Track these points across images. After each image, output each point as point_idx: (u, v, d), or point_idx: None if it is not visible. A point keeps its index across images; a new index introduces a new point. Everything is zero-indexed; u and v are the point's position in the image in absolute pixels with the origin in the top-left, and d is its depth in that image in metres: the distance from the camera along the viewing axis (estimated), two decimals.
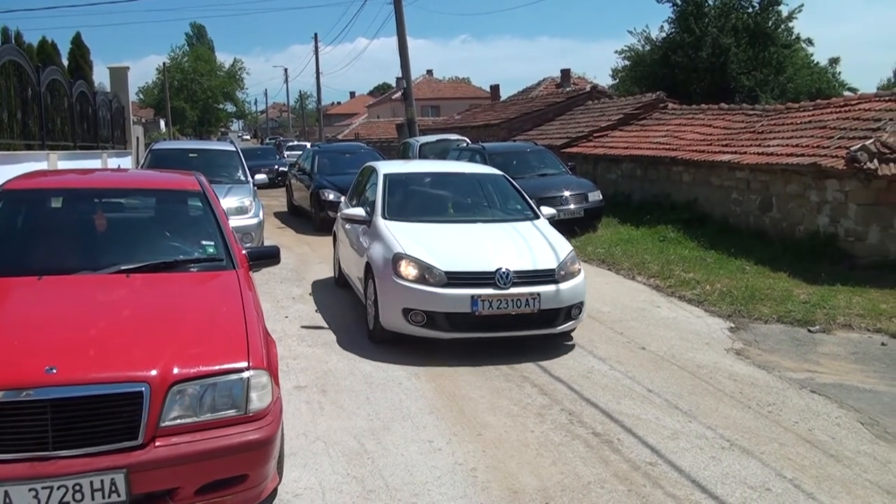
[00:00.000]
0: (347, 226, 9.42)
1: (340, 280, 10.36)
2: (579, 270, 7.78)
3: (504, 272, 7.19)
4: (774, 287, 9.72)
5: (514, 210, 9.15)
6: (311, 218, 17.17)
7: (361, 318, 8.44)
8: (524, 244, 7.92)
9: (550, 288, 7.34)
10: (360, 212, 8.81)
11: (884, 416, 5.91)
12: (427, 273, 7.25)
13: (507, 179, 9.74)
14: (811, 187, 12.04)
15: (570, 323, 7.63)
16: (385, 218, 8.35)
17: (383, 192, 8.79)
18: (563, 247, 7.97)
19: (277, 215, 19.89)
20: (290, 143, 49.45)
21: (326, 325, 8.56)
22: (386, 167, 9.75)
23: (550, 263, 7.56)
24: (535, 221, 8.69)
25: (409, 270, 7.33)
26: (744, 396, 6.35)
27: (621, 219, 15.85)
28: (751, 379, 6.78)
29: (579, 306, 7.64)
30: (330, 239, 11.54)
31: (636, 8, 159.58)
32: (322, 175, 17.14)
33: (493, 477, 4.83)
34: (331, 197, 15.51)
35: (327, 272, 11.46)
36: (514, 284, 7.19)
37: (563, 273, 7.52)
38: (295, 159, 24.88)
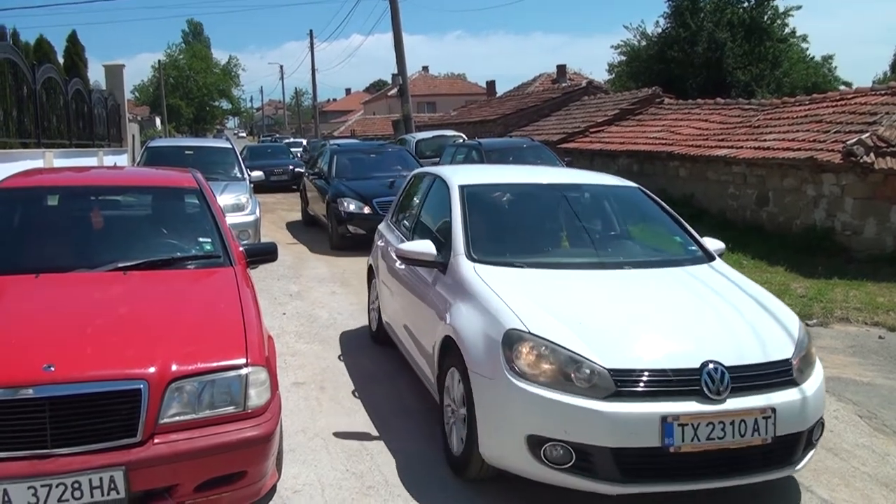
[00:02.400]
0: (400, 264, 6.24)
1: (380, 334, 7.42)
2: (815, 356, 4.69)
3: (714, 370, 4.08)
4: (772, 281, 9.72)
5: (670, 244, 5.94)
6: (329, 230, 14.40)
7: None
8: (724, 310, 4.71)
9: (789, 395, 4.23)
10: (425, 248, 5.48)
11: (882, 409, 5.92)
12: (574, 370, 4.07)
13: (646, 194, 6.40)
14: (808, 181, 12.06)
15: (811, 454, 4.48)
16: (473, 259, 5.18)
17: (463, 217, 5.59)
18: (786, 313, 4.82)
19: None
20: (287, 140, 49.15)
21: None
22: (456, 175, 6.40)
23: (782, 348, 4.41)
24: (713, 264, 5.46)
25: (538, 364, 4.17)
26: None
27: None
28: None
29: (821, 423, 4.53)
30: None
31: (631, 3, 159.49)
32: (341, 180, 14.56)
33: None
34: (351, 207, 13.23)
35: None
36: (732, 391, 4.09)
37: (799, 364, 4.40)
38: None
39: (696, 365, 4.08)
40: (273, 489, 4.29)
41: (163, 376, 3.56)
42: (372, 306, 7.91)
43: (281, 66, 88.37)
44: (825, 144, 11.84)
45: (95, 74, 48.06)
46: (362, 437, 5.37)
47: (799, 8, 34.31)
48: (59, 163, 14.83)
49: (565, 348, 4.14)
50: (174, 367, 3.60)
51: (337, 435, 5.38)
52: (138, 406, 3.48)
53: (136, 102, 76.07)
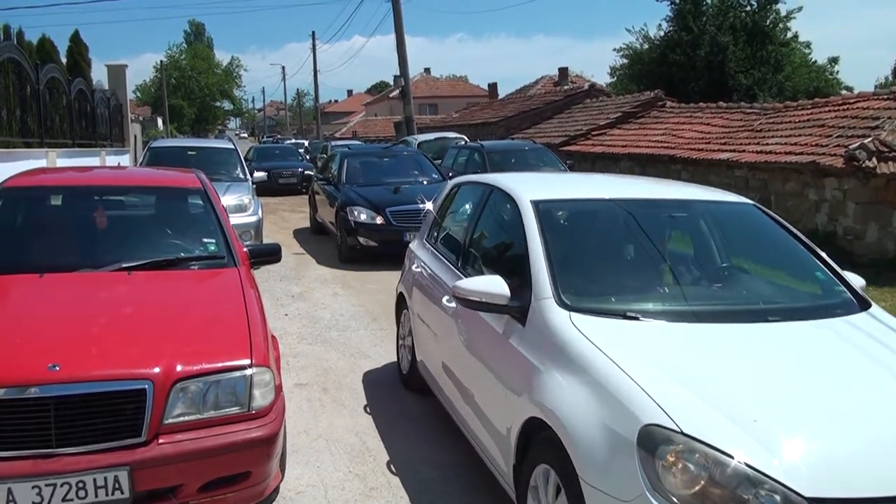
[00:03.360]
0: (449, 300, 4.91)
1: (414, 379, 6.15)
2: None
3: None
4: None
5: (810, 283, 4.64)
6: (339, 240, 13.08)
7: None
8: None
9: None
10: (493, 287, 4.09)
11: None
12: (752, 495, 2.74)
13: (765, 213, 4.96)
14: (810, 186, 12.06)
15: None
16: (565, 305, 3.82)
17: (543, 244, 4.21)
18: None
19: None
20: (288, 141, 48.95)
21: None
22: (523, 186, 5.01)
23: None
24: (872, 312, 4.11)
25: (696, 483, 2.83)
26: None
27: None
28: None
29: None
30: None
31: (633, 6, 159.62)
32: (351, 186, 13.42)
33: None
34: (362, 217, 12.13)
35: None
36: None
37: None
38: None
39: None
40: (276, 490, 4.28)
41: (168, 376, 3.56)
42: (402, 342, 6.57)
43: (283, 68, 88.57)
44: (827, 149, 11.85)
45: (98, 74, 48.08)
46: (365, 438, 5.36)
47: (800, 9, 34.29)
48: (61, 162, 14.84)
49: (741, 462, 2.74)
50: (179, 368, 3.60)
51: (339, 436, 5.38)
52: (143, 406, 3.48)
53: (138, 102, 76.11)
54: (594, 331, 3.55)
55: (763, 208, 4.99)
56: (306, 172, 25.37)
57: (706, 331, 3.67)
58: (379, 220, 12.01)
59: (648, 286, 4.25)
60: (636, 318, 3.70)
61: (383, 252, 11.79)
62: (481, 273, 4.78)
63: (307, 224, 17.04)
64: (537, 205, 4.54)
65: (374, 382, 6.60)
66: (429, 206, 11.80)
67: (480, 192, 5.59)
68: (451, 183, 6.64)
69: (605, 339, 3.46)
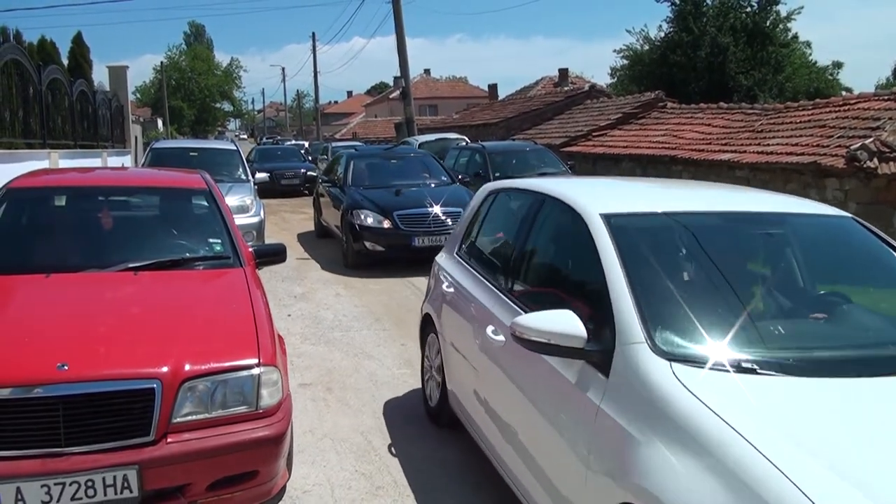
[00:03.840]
0: (496, 333, 4.20)
1: (444, 413, 5.37)
2: None
3: None
4: None
5: None
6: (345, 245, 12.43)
7: None
8: None
9: None
10: (565, 326, 3.26)
11: None
12: None
13: (865, 227, 4.12)
14: (811, 186, 12.07)
15: None
16: (662, 353, 3.01)
17: (625, 271, 3.38)
18: None
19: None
20: (289, 142, 48.74)
21: None
22: (587, 199, 4.08)
23: None
24: None
25: None
26: None
27: None
28: None
29: None
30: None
31: (633, 7, 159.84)
32: (358, 188, 12.83)
33: None
34: (369, 221, 11.61)
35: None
36: None
37: None
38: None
39: None
40: (283, 489, 4.30)
41: (176, 376, 3.57)
42: (429, 371, 5.79)
43: (283, 69, 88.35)
44: (828, 149, 11.86)
45: (99, 75, 48.18)
46: (370, 437, 5.38)
47: (801, 9, 34.37)
48: (63, 163, 14.86)
49: None
50: (187, 367, 3.62)
51: (344, 435, 5.40)
52: (152, 405, 3.50)
53: (138, 104, 76.10)
54: (708, 389, 2.74)
55: (862, 222, 4.14)
56: (309, 174, 25.22)
57: (845, 388, 2.86)
58: (386, 224, 11.55)
59: (757, 325, 3.28)
60: (753, 371, 2.87)
61: (391, 257, 11.63)
62: (538, 301, 3.95)
63: (310, 226, 16.76)
64: (608, 220, 3.68)
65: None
66: (437, 209, 11.52)
67: (528, 202, 4.78)
68: (485, 189, 5.70)
69: (726, 404, 2.65)
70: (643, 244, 3.74)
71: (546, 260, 4.52)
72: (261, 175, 13.86)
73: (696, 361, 2.93)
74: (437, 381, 5.47)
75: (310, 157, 31.19)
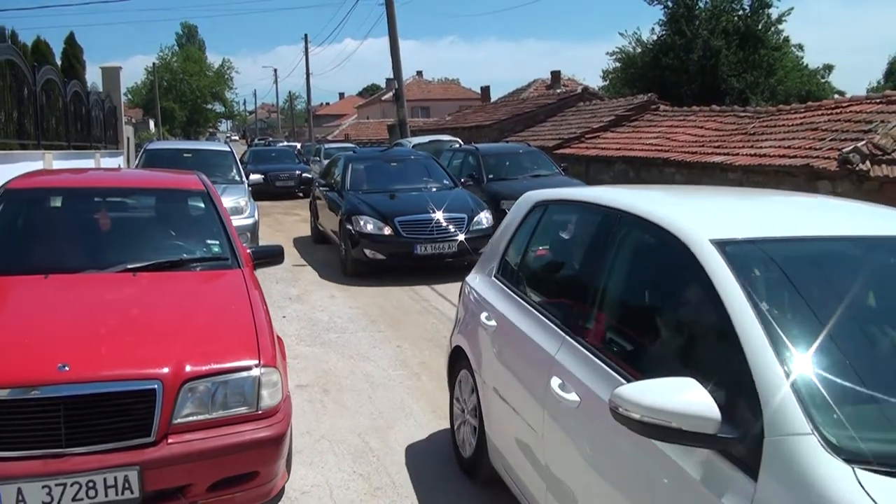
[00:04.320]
0: (565, 389, 3.28)
1: (483, 467, 4.50)
2: None
3: None
4: None
5: None
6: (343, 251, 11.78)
7: None
8: None
9: None
10: (693, 406, 2.28)
11: None
12: None
13: None
14: (804, 188, 12.10)
15: None
16: (839, 451, 2.05)
17: (766, 330, 2.38)
18: None
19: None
20: (281, 144, 48.39)
21: None
22: (687, 218, 3.11)
23: None
24: None
25: None
26: None
27: None
28: None
29: None
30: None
31: (625, 10, 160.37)
32: (356, 193, 12.27)
33: None
34: (369, 227, 11.01)
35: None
36: None
37: None
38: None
39: None
40: (282, 490, 4.32)
41: (177, 376, 3.59)
42: (463, 416, 4.86)
43: (275, 70, 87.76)
44: (821, 152, 11.94)
45: (92, 76, 48.01)
46: (367, 439, 5.39)
47: (791, 10, 34.58)
48: (58, 164, 14.82)
49: None
50: (188, 368, 3.63)
51: (341, 437, 5.41)
52: (153, 406, 3.51)
53: (129, 105, 75.93)
54: None
55: None
56: (304, 175, 24.92)
57: None
58: (387, 231, 10.98)
59: None
60: None
61: (392, 265, 11.18)
62: (628, 356, 3.11)
63: (304, 228, 16.38)
64: (723, 248, 2.74)
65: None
66: (439, 215, 11.10)
67: (597, 220, 3.79)
68: (528, 200, 4.67)
69: None
70: (778, 283, 2.76)
71: (634, 298, 3.45)
72: (255, 176, 13.78)
73: (885, 462, 2.02)
74: (473, 425, 4.62)
75: (305, 159, 31.01)
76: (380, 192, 12.14)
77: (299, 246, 14.68)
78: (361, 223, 11.09)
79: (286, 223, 18.57)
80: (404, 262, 11.11)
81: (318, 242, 14.69)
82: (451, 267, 10.85)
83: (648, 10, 67.91)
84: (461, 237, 10.99)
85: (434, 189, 12.71)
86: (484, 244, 10.35)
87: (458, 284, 5.34)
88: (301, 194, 23.79)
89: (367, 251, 10.99)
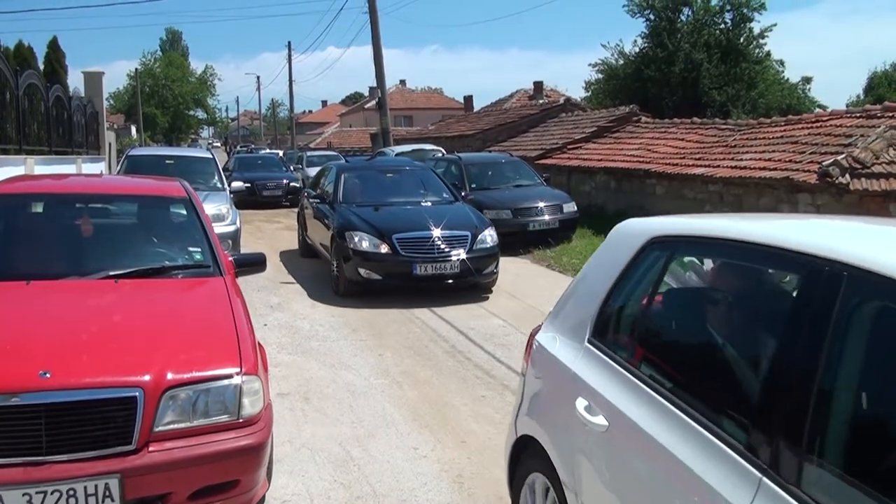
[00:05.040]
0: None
1: None
2: None
3: None
4: None
5: None
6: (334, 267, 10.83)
7: None
8: None
9: None
10: None
11: None
12: None
13: None
14: (784, 201, 12.24)
15: None
16: None
17: None
18: None
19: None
20: (263, 151, 47.62)
21: None
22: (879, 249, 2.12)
23: None
24: None
25: None
26: None
27: (596, 230, 15.91)
28: None
29: None
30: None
31: (608, 22, 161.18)
32: (349, 206, 11.31)
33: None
34: (364, 245, 10.16)
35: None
36: None
37: None
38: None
39: None
40: (263, 499, 4.31)
41: (158, 384, 3.58)
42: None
43: (258, 77, 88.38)
44: (801, 165, 12.06)
45: (74, 81, 47.78)
46: (348, 448, 5.38)
47: (774, 26, 34.91)
48: (39, 170, 14.73)
49: None
50: (169, 376, 3.63)
51: (322, 445, 5.40)
52: (134, 414, 3.50)
53: (111, 110, 75.58)
54: None
55: None
56: (292, 184, 24.17)
57: None
58: (384, 249, 10.13)
59: None
60: None
61: (388, 286, 10.27)
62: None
63: (289, 237, 15.74)
64: None
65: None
66: (439, 232, 10.19)
67: (795, 275, 2.45)
68: (638, 235, 3.30)
69: None
70: None
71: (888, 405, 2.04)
72: (237, 184, 13.68)
73: None
74: None
75: (287, 167, 30.70)
76: (375, 206, 11.21)
77: (285, 260, 13.67)
78: (356, 240, 10.24)
79: (267, 231, 18.44)
80: (402, 283, 10.23)
81: (305, 256, 13.65)
82: (452, 288, 10.28)
83: (631, 22, 68.22)
84: (464, 256, 10.14)
85: (433, 203, 11.80)
86: (488, 264, 10.40)
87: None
88: (288, 204, 23.16)
89: (362, 270, 10.13)
